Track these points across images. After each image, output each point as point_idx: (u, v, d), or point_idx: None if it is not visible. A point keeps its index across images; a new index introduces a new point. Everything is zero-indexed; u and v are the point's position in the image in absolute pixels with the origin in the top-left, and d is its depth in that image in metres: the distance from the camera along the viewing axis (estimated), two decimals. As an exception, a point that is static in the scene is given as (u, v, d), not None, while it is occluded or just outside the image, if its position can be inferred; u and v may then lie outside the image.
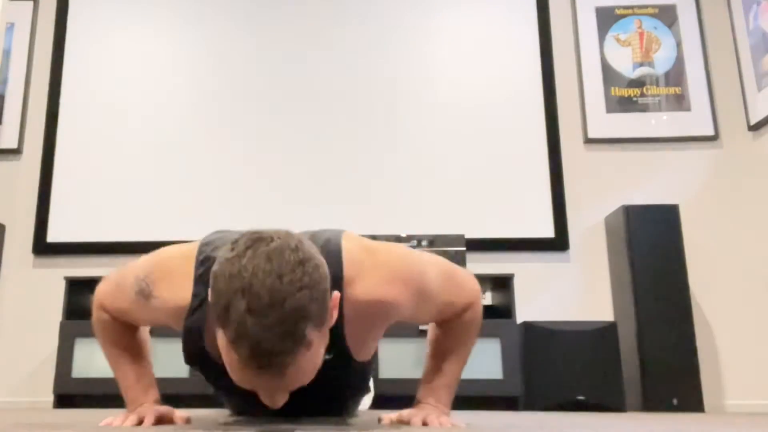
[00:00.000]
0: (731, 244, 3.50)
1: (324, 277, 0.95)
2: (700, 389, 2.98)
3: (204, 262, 1.13)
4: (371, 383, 2.44)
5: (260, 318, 0.87)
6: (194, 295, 1.13)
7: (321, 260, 0.96)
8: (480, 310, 1.32)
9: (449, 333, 1.31)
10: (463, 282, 1.29)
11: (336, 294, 1.00)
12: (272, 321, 0.87)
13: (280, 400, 0.98)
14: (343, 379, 1.27)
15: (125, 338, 1.29)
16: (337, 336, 1.10)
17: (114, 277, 1.27)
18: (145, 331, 1.34)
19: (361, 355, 1.21)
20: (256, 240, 0.94)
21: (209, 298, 0.95)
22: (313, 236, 1.15)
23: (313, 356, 0.94)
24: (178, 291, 1.15)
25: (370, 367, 1.42)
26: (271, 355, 0.88)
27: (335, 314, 1.01)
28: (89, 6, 3.93)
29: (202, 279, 1.12)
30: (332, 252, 1.11)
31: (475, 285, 1.31)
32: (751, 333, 3.38)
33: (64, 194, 3.65)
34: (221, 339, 0.92)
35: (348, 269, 1.11)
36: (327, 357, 1.05)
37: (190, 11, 3.92)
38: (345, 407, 1.55)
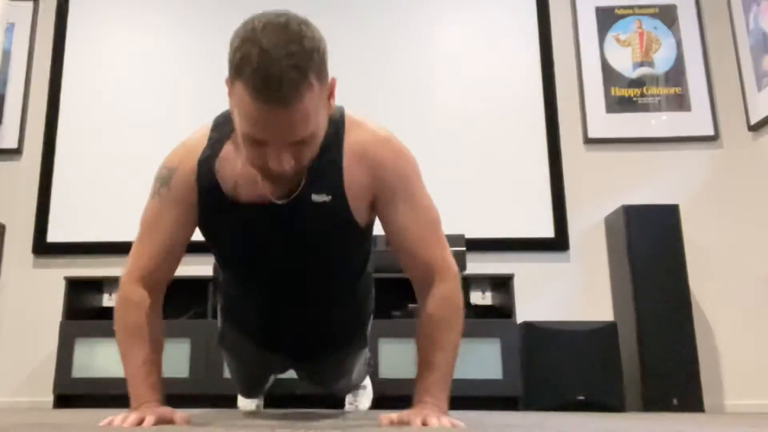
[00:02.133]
0: (731, 244, 3.50)
1: (324, 41, 1.09)
2: (700, 389, 2.98)
3: (219, 118, 1.30)
4: (370, 386, 2.45)
5: (271, 51, 1.02)
6: (210, 138, 1.28)
7: (322, 37, 1.11)
8: (457, 291, 1.30)
9: (430, 319, 1.28)
10: (443, 240, 1.32)
11: (334, 78, 1.14)
12: (281, 54, 1.01)
13: (286, 162, 1.10)
14: (347, 249, 1.35)
15: (143, 329, 1.29)
16: (336, 172, 1.23)
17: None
18: (160, 331, 1.34)
19: (358, 215, 1.27)
20: (266, 13, 1.10)
21: (226, 82, 1.10)
22: None
23: (316, 107, 1.07)
24: (194, 140, 1.30)
25: (370, 280, 1.55)
26: (280, 80, 1.01)
27: (333, 103, 1.16)
28: (89, 6, 3.93)
29: (218, 126, 1.28)
30: (336, 108, 1.26)
31: (453, 260, 1.32)
32: (751, 333, 3.38)
33: (64, 194, 3.65)
34: (236, 95, 1.07)
35: (348, 121, 1.27)
36: (326, 198, 1.21)
37: (190, 11, 3.92)
38: (349, 340, 1.61)
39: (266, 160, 1.11)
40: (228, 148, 1.26)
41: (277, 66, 1.01)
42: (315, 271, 1.37)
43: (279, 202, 1.24)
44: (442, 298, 1.29)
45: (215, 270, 1.60)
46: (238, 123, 1.10)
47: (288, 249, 1.32)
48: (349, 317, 1.58)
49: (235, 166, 1.24)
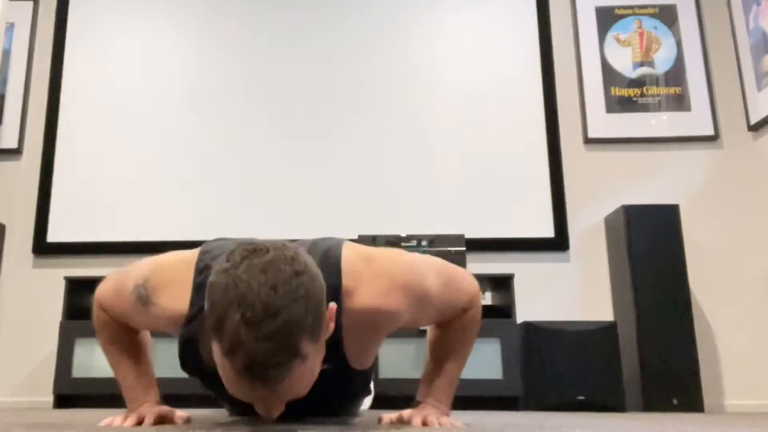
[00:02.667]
0: (731, 244, 3.50)
1: (320, 288, 0.94)
2: (700, 389, 2.98)
3: (203, 271, 1.12)
4: (371, 384, 2.45)
5: (254, 330, 0.86)
6: (192, 304, 1.12)
7: (317, 271, 0.96)
8: (479, 310, 1.32)
9: (449, 333, 1.31)
10: (462, 283, 1.29)
11: (332, 305, 1.00)
12: (266, 333, 0.87)
13: (276, 411, 0.97)
14: (342, 387, 1.27)
15: (126, 338, 1.29)
16: (335, 347, 1.10)
17: (114, 280, 1.27)
18: (146, 332, 1.34)
19: (360, 364, 1.21)
20: (252, 251, 0.93)
21: (205, 309, 0.95)
22: (313, 245, 1.15)
23: (309, 368, 0.94)
24: (177, 299, 1.14)
25: (370, 373, 1.42)
26: (266, 368, 0.88)
27: (332, 326, 1.00)
28: (89, 6, 3.93)
29: (200, 288, 1.11)
30: (331, 262, 1.11)
31: (474, 284, 1.31)
32: (751, 333, 3.38)
33: (64, 194, 3.65)
34: (216, 351, 0.91)
35: (347, 280, 1.11)
36: (326, 367, 1.05)
37: (190, 11, 3.91)
38: (345, 411, 1.55)
39: (253, 404, 0.97)
40: (208, 331, 1.04)
41: (264, 354, 0.87)
42: (313, 405, 1.28)
43: None
44: (469, 320, 1.31)
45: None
46: (221, 375, 0.94)
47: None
48: (353, 398, 1.53)
49: (214, 355, 1.00)
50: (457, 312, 1.28)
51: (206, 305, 0.93)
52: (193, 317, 1.12)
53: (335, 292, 1.08)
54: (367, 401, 2.43)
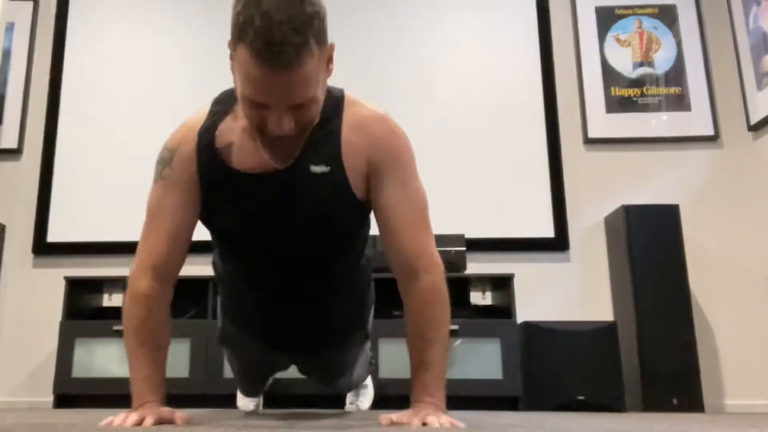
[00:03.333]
0: (731, 244, 3.50)
1: (325, 8, 1.11)
2: (700, 389, 2.98)
3: (221, 95, 1.34)
4: (371, 385, 2.45)
5: (273, 15, 1.03)
6: (209, 112, 1.31)
7: (323, 1, 1.13)
8: (443, 284, 1.29)
9: (418, 315, 1.28)
10: (430, 230, 1.31)
11: (333, 44, 1.16)
12: (282, 17, 1.04)
13: (286, 124, 1.12)
14: (346, 228, 1.36)
15: (151, 329, 1.28)
16: (333, 146, 1.25)
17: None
18: (168, 330, 1.33)
19: (356, 187, 1.27)
20: None
21: (231, 22, 1.09)
22: None
23: (314, 73, 1.10)
24: (194, 118, 1.32)
25: (369, 269, 1.55)
26: (282, 44, 1.04)
27: (332, 67, 1.18)
28: (89, 6, 3.93)
29: (218, 101, 1.32)
30: (334, 89, 1.31)
31: (437, 253, 1.31)
32: (751, 333, 3.38)
33: (64, 194, 3.65)
34: (239, 59, 1.09)
35: (348, 96, 1.32)
36: (324, 170, 1.24)
37: (190, 11, 3.91)
38: (351, 331, 1.61)
39: (266, 122, 1.14)
40: (228, 120, 1.29)
41: (278, 30, 1.04)
42: (314, 245, 1.35)
43: (278, 168, 1.24)
44: (429, 292, 1.27)
45: (215, 266, 1.57)
46: (240, 86, 1.13)
47: (287, 220, 1.30)
48: (351, 303, 1.58)
49: (235, 137, 1.27)
50: (414, 254, 1.26)
51: (232, 20, 1.08)
52: (212, 117, 1.29)
53: (340, 94, 1.31)
54: (368, 401, 2.44)
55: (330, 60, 1.18)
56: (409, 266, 1.28)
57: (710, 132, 3.65)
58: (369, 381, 2.43)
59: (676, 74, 3.75)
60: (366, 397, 2.42)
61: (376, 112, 1.32)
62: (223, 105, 1.31)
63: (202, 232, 1.40)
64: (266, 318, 1.53)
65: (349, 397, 2.41)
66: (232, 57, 1.13)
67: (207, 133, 1.29)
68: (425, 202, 1.33)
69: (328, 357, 1.69)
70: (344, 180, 1.26)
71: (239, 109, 1.22)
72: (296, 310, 1.48)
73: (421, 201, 1.32)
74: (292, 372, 1.89)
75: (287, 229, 1.32)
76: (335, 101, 1.29)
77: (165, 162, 1.31)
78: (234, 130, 1.28)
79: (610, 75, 3.76)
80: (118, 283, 3.26)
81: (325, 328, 1.56)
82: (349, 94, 1.34)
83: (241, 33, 1.07)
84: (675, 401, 2.95)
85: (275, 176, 1.25)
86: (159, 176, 1.32)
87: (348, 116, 1.28)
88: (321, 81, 1.15)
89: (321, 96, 1.17)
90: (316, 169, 1.26)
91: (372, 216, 1.36)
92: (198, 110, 1.35)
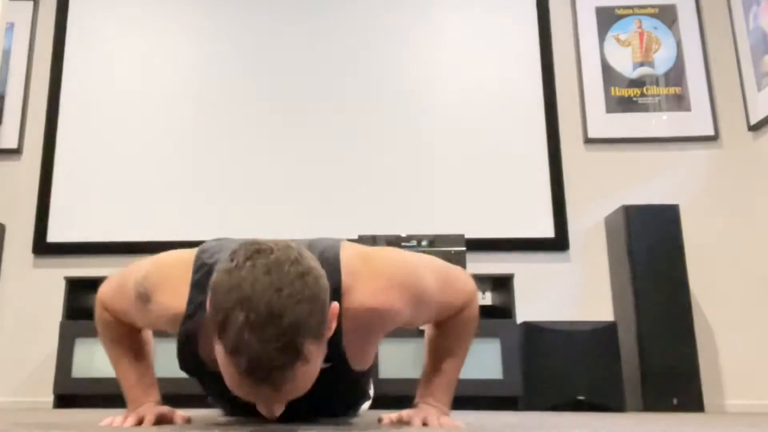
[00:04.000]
0: (731, 244, 3.50)
1: (323, 289, 0.95)
2: (700, 389, 2.98)
3: (200, 269, 1.13)
4: (371, 389, 2.44)
5: (258, 332, 0.87)
6: (189, 302, 1.13)
7: (321, 272, 0.96)
8: (477, 309, 1.32)
9: (446, 332, 1.31)
10: (459, 282, 1.30)
11: (335, 305, 1.00)
12: (270, 335, 0.87)
13: (277, 410, 0.97)
14: (341, 387, 1.26)
15: (127, 337, 1.29)
16: (335, 346, 1.10)
17: (116, 279, 1.28)
18: (147, 332, 1.34)
19: (359, 364, 1.21)
20: (256, 251, 0.93)
21: (207, 308, 0.95)
22: (311, 245, 1.14)
23: (312, 368, 0.94)
24: (175, 297, 1.14)
25: (369, 375, 1.42)
26: (269, 369, 0.88)
27: (334, 325, 1.00)
28: (89, 6, 3.93)
29: (197, 285, 1.12)
30: (330, 262, 1.11)
31: (471, 283, 1.32)
32: (751, 333, 3.38)
33: (64, 194, 3.65)
34: (219, 350, 0.92)
35: (345, 279, 1.11)
36: (325, 366, 1.06)
37: (190, 12, 3.91)
38: (344, 414, 1.54)
39: (255, 404, 0.98)
40: (208, 329, 1.04)
41: (267, 355, 0.87)
42: (312, 406, 1.30)
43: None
44: (467, 318, 1.31)
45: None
46: (223, 374, 0.94)
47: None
48: (352, 401, 1.53)
49: (217, 355, 0.99)
50: (455, 310, 1.28)
51: (209, 305, 0.93)
52: (191, 315, 1.13)
53: (335, 291, 1.08)
54: (367, 402, 2.43)
55: (333, 319, 0.99)
56: (453, 314, 1.30)
57: (710, 132, 3.65)
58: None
59: (676, 74, 3.75)
60: (365, 401, 2.41)
61: (374, 301, 1.13)
62: (203, 290, 1.10)
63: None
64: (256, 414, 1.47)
65: (350, 397, 2.40)
66: (214, 340, 0.93)
67: (188, 329, 1.13)
68: (442, 269, 1.26)
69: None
70: (347, 367, 1.18)
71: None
72: (294, 415, 1.39)
73: (441, 287, 1.23)
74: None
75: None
76: (333, 296, 1.06)
77: (144, 299, 1.18)
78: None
79: (610, 75, 3.76)
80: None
81: (326, 413, 1.50)
82: (346, 264, 1.13)
83: (221, 336, 0.90)
84: (675, 401, 2.95)
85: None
86: (136, 298, 1.19)
87: (347, 315, 1.11)
88: (320, 362, 0.98)
89: (318, 370, 0.98)
90: None
91: None
92: (178, 261, 1.18)
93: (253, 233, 3.44)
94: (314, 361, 0.93)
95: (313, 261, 0.96)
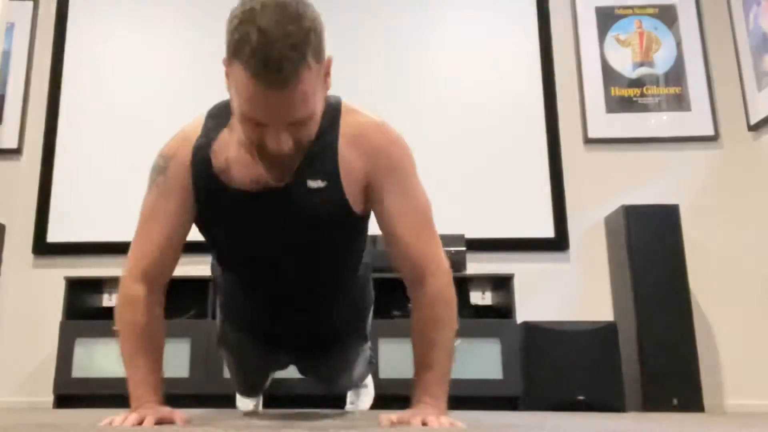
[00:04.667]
0: (731, 244, 3.50)
1: (321, 23, 1.09)
2: (700, 389, 2.98)
3: (213, 109, 1.31)
4: (371, 385, 2.45)
5: (270, 32, 1.00)
6: (204, 126, 1.27)
7: (318, 14, 1.09)
8: (449, 288, 1.29)
9: (423, 318, 1.28)
10: (435, 235, 1.30)
11: (330, 57, 1.12)
12: (280, 34, 1.01)
13: (285, 142, 1.10)
14: (343, 241, 1.35)
15: (145, 330, 1.28)
16: (330, 160, 1.22)
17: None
18: (162, 328, 1.33)
19: (353, 200, 1.26)
20: None
21: (226, 39, 1.07)
22: None
23: (314, 88, 1.07)
24: (189, 129, 1.29)
25: (368, 271, 1.54)
26: (280, 61, 1.01)
27: (329, 81, 1.15)
28: (89, 6, 3.93)
29: (212, 116, 1.28)
30: (331, 97, 1.26)
31: (445, 256, 1.30)
32: (751, 333, 3.38)
33: (64, 194, 3.65)
34: (235, 77, 1.06)
35: (345, 106, 1.29)
36: (322, 184, 1.21)
37: (190, 11, 3.91)
38: (351, 336, 1.57)
39: (264, 140, 1.11)
40: (223, 135, 1.26)
41: (275, 47, 1.01)
42: (312, 260, 1.36)
43: (275, 185, 1.23)
44: (435, 296, 1.27)
45: (213, 269, 1.57)
46: (236, 103, 1.10)
47: (284, 236, 1.31)
48: (349, 309, 1.58)
49: (231, 152, 1.24)
50: (420, 268, 1.26)
51: (226, 36, 1.06)
52: (206, 133, 1.26)
53: (336, 104, 1.26)
54: (368, 401, 2.44)
55: (328, 74, 1.15)
56: (416, 273, 1.28)
57: (710, 132, 3.65)
58: (369, 381, 2.43)
59: (676, 74, 3.75)
60: (366, 397, 2.42)
61: (373, 120, 1.30)
62: (217, 119, 1.28)
63: (198, 233, 1.40)
64: (265, 324, 1.54)
65: (350, 396, 2.41)
66: (227, 74, 1.10)
67: (201, 148, 1.26)
68: (428, 207, 1.32)
69: (328, 357, 1.70)
70: (341, 195, 1.25)
71: (235, 123, 1.19)
72: (295, 317, 1.48)
73: (424, 207, 1.31)
74: (292, 372, 1.89)
75: (284, 243, 1.32)
76: (332, 112, 1.26)
77: (159, 170, 1.30)
78: (229, 145, 1.25)
79: (610, 75, 3.76)
80: (118, 283, 3.25)
81: (325, 332, 1.56)
82: (346, 102, 1.31)
83: (236, 50, 1.04)
84: (675, 401, 2.95)
85: (272, 193, 1.25)
86: (153, 183, 1.31)
87: (345, 127, 1.26)
88: (319, 96, 1.12)
89: (319, 111, 1.14)
90: (313, 184, 1.24)
91: (373, 218, 1.35)
92: (193, 120, 1.33)
93: (253, 233, 3.44)
94: (315, 82, 1.07)
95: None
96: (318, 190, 1.23)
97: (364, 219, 1.35)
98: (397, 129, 1.33)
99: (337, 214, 1.27)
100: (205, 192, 1.27)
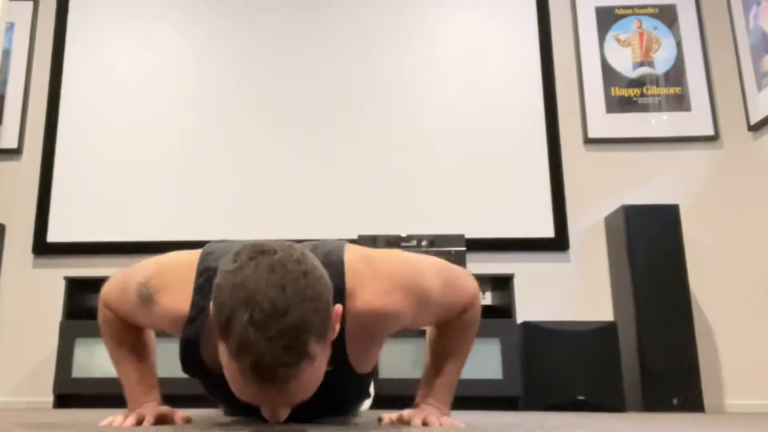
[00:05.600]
0: (731, 244, 3.50)
1: (327, 289, 0.94)
2: (700, 389, 2.98)
3: (204, 272, 1.13)
4: (371, 388, 2.45)
5: (263, 330, 0.86)
6: (193, 305, 1.12)
7: (323, 272, 0.96)
8: (479, 309, 1.32)
9: (448, 332, 1.31)
10: (462, 283, 1.29)
11: (338, 307, 1.00)
12: (275, 333, 0.86)
13: (282, 415, 0.97)
14: (343, 390, 1.26)
15: (130, 337, 1.29)
16: (338, 349, 1.10)
17: (119, 279, 1.27)
18: (150, 332, 1.34)
19: (362, 367, 1.20)
20: (259, 252, 0.93)
21: (210, 310, 0.94)
22: (315, 248, 1.14)
23: (316, 369, 0.93)
24: (178, 300, 1.14)
25: (371, 376, 1.41)
26: (274, 368, 0.87)
27: (338, 327, 1.00)
28: (89, 6, 3.93)
29: (201, 289, 1.12)
30: (334, 264, 1.10)
31: (474, 284, 1.32)
32: (751, 333, 3.38)
33: (64, 194, 3.65)
34: (223, 351, 0.91)
35: (349, 281, 1.11)
36: (328, 369, 1.05)
37: (189, 12, 3.91)
38: (344, 414, 1.54)
39: (259, 407, 0.98)
40: (210, 324, 1.07)
41: (272, 354, 0.87)
42: (320, 409, 1.30)
43: None
44: (469, 320, 1.31)
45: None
46: (227, 376, 0.94)
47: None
48: (353, 402, 1.53)
49: (221, 357, 0.99)
50: (457, 311, 1.28)
51: (212, 306, 0.93)
52: (193, 318, 1.12)
53: (339, 293, 1.07)
54: (367, 402, 2.43)
55: (336, 321, 1.00)
56: (456, 315, 1.30)
57: (710, 132, 3.65)
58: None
59: (676, 74, 3.75)
60: (366, 400, 2.42)
61: (377, 303, 1.13)
62: (205, 297, 1.10)
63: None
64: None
65: (350, 397, 2.40)
66: (218, 341, 0.93)
67: (191, 333, 1.12)
68: (444, 271, 1.25)
69: (329, 413, 1.65)
70: (350, 371, 1.18)
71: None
72: (295, 418, 1.41)
73: (444, 286, 1.23)
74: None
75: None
76: (337, 300, 1.06)
77: (145, 301, 1.17)
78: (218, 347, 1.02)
79: (610, 75, 3.76)
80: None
81: (328, 412, 1.50)
82: (350, 268, 1.12)
83: (224, 335, 0.90)
84: (675, 401, 2.95)
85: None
86: (139, 300, 1.18)
87: (351, 318, 1.11)
88: (323, 364, 0.97)
89: (322, 373, 0.98)
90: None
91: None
92: (180, 264, 1.18)
93: (253, 233, 3.44)
94: (319, 361, 0.93)
95: (316, 261, 0.96)
96: (326, 373, 1.05)
97: (373, 371, 1.31)
98: (405, 278, 1.17)
99: (346, 384, 1.22)
100: (193, 370, 1.18)
